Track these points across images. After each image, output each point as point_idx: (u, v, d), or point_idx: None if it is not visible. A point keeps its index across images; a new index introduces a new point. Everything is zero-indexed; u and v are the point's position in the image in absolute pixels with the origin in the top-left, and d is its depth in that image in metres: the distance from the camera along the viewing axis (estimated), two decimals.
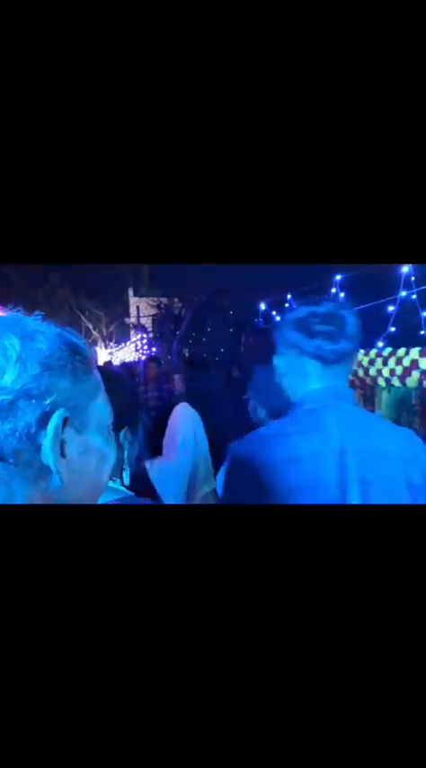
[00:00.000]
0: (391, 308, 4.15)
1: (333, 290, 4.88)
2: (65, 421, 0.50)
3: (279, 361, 1.10)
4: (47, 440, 0.49)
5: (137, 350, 12.12)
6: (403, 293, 4.05)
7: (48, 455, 0.49)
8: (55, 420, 0.49)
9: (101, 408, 0.56)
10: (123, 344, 17.73)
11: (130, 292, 21.19)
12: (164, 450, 2.32)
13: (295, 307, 1.07)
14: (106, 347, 21.59)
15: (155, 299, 13.74)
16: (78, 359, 0.53)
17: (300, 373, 1.06)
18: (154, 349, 10.95)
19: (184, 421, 2.35)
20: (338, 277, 4.78)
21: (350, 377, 1.08)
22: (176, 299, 11.82)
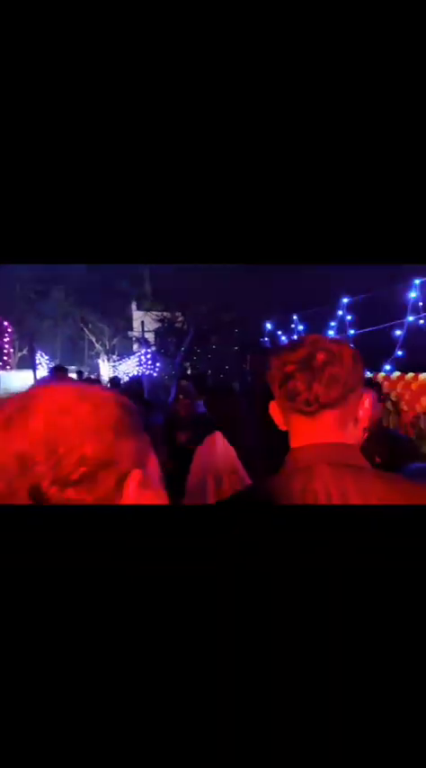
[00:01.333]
0: (398, 333, 4.16)
1: (340, 313, 4.89)
2: (137, 482, 0.51)
3: (274, 414, 0.94)
4: (125, 503, 0.50)
5: (140, 364, 12.14)
6: (411, 318, 4.06)
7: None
8: (132, 484, 0.51)
9: (154, 460, 0.57)
10: (126, 358, 17.75)
11: (133, 306, 21.24)
12: (192, 489, 2.06)
13: (272, 353, 0.92)
14: (109, 360, 21.62)
15: (159, 313, 13.75)
16: (134, 419, 0.54)
17: (290, 426, 0.90)
18: (158, 364, 10.97)
19: (227, 454, 2.09)
20: (345, 300, 4.79)
21: (355, 426, 0.89)
22: (179, 314, 11.85)
